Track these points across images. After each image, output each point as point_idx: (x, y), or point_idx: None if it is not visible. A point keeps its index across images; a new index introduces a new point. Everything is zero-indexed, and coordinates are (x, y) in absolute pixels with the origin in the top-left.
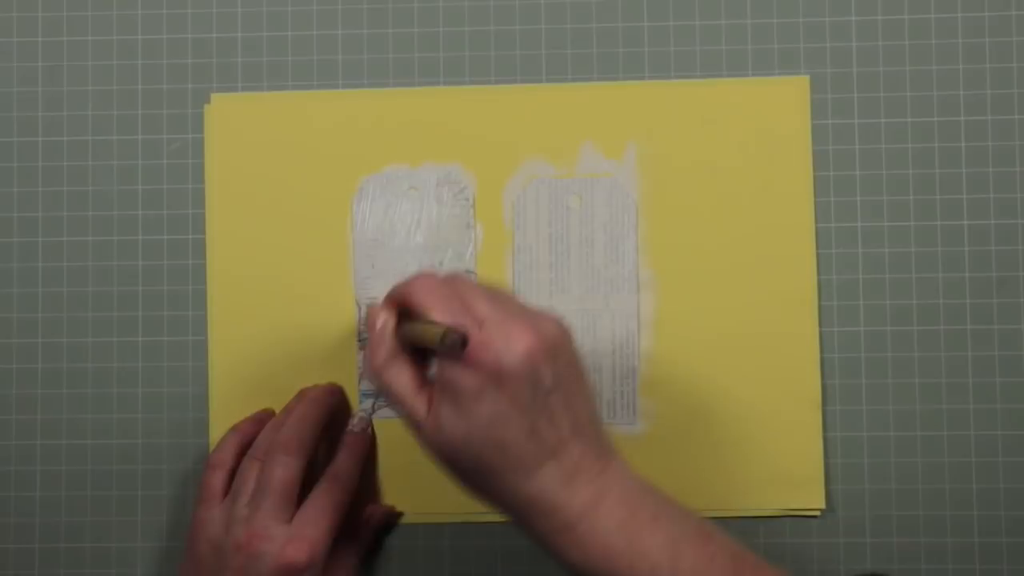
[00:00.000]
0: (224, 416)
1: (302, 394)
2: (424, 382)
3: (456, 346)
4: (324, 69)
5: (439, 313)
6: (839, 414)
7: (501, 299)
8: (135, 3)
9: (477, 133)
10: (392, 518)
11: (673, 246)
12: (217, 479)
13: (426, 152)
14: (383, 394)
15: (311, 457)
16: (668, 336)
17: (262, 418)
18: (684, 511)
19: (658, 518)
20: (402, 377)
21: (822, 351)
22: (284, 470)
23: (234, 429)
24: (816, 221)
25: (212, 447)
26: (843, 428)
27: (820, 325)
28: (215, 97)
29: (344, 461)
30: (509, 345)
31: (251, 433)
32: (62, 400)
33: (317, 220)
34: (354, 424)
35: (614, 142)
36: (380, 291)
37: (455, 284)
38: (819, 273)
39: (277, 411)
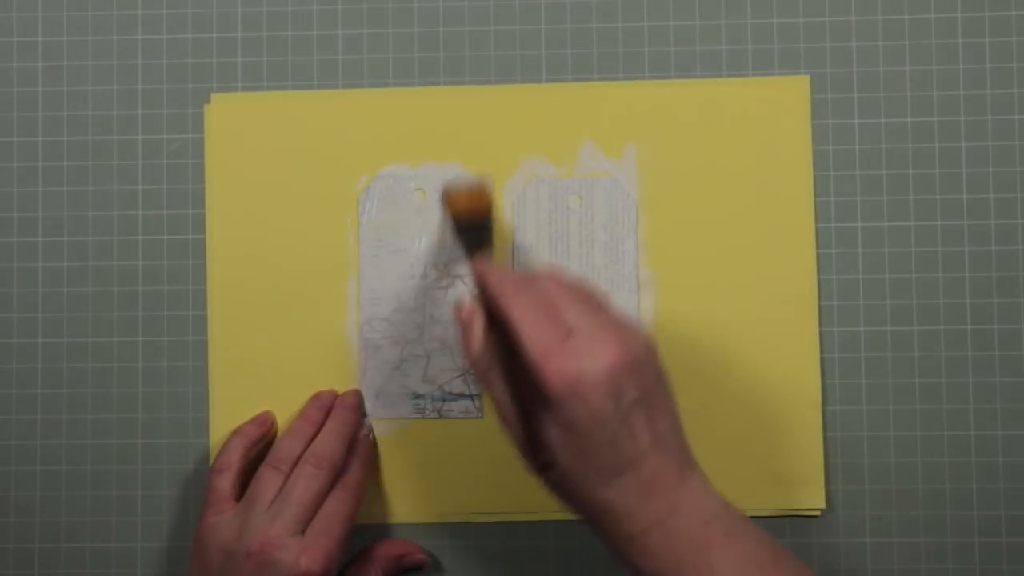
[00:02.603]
0: (224, 416)
1: (317, 399)
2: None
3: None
4: (324, 69)
5: (525, 320)
6: (839, 414)
7: (592, 307)
8: (135, 3)
9: (477, 133)
10: (414, 559)
11: (673, 246)
12: (225, 482)
13: (426, 152)
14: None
15: (337, 472)
16: (668, 336)
17: (264, 420)
18: (759, 532)
19: (730, 536)
20: (495, 381)
21: (822, 351)
22: (312, 484)
23: (238, 432)
24: (816, 221)
25: (212, 447)
26: (843, 428)
27: (820, 325)
28: (215, 97)
29: (356, 470)
30: (594, 358)
31: (255, 436)
32: (62, 400)
33: (317, 220)
34: (362, 431)
35: (614, 142)
36: (380, 291)
37: (547, 286)
38: (819, 273)
39: (278, 413)
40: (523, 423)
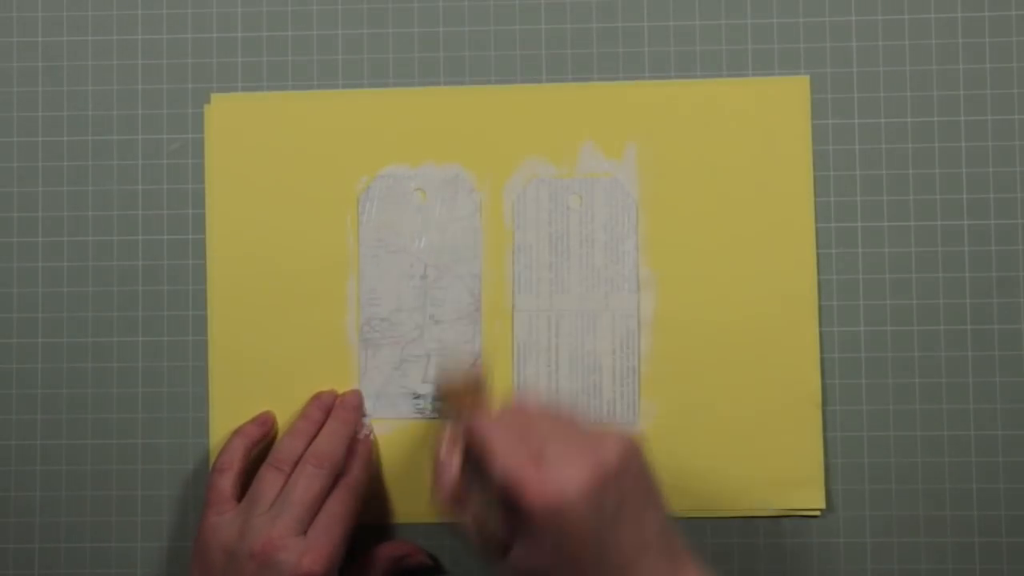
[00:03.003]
0: (224, 416)
1: (317, 399)
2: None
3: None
4: (324, 69)
5: (499, 449)
6: (839, 414)
7: (561, 424)
8: (135, 3)
9: (477, 133)
10: (417, 559)
11: (673, 246)
12: (226, 483)
13: (426, 152)
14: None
15: (338, 472)
16: (668, 336)
17: (265, 420)
18: None
19: None
20: (471, 517)
21: (822, 351)
22: (313, 484)
23: (239, 432)
24: (816, 221)
25: (212, 447)
26: (843, 428)
27: (820, 325)
28: (215, 97)
29: (357, 470)
30: (571, 477)
31: (256, 436)
32: (62, 400)
33: (317, 220)
34: (362, 431)
35: (614, 142)
36: (380, 291)
37: (518, 412)
38: (819, 273)
39: (278, 413)
40: (504, 549)
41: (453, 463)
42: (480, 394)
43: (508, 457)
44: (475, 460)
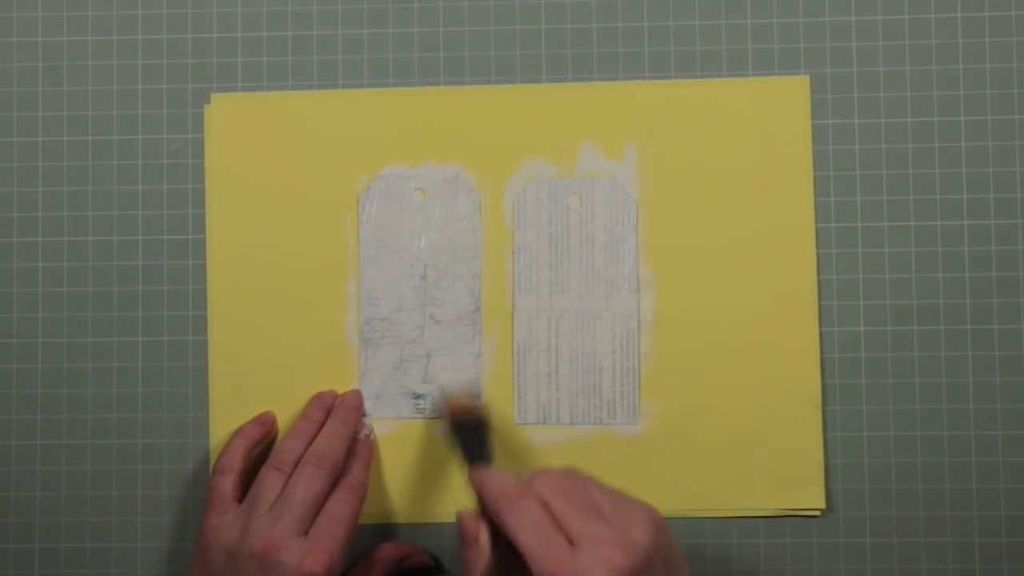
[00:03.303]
0: (224, 416)
1: (318, 399)
2: None
3: None
4: (324, 69)
5: (529, 540)
6: (839, 414)
7: (590, 506)
8: (135, 3)
9: (477, 133)
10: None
11: (673, 246)
12: (227, 483)
13: (426, 152)
14: None
15: (339, 472)
16: (668, 336)
17: (265, 421)
18: None
19: None
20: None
21: (822, 351)
22: (313, 485)
23: (239, 433)
24: (816, 221)
25: (212, 447)
26: (843, 428)
27: (820, 325)
28: (215, 97)
29: (358, 470)
30: (605, 568)
31: (256, 436)
32: (62, 400)
33: (317, 220)
34: (362, 431)
35: (614, 142)
36: (380, 291)
37: (542, 491)
38: (819, 273)
39: (278, 413)
40: None
41: (483, 540)
42: (480, 424)
43: (539, 550)
44: (501, 538)
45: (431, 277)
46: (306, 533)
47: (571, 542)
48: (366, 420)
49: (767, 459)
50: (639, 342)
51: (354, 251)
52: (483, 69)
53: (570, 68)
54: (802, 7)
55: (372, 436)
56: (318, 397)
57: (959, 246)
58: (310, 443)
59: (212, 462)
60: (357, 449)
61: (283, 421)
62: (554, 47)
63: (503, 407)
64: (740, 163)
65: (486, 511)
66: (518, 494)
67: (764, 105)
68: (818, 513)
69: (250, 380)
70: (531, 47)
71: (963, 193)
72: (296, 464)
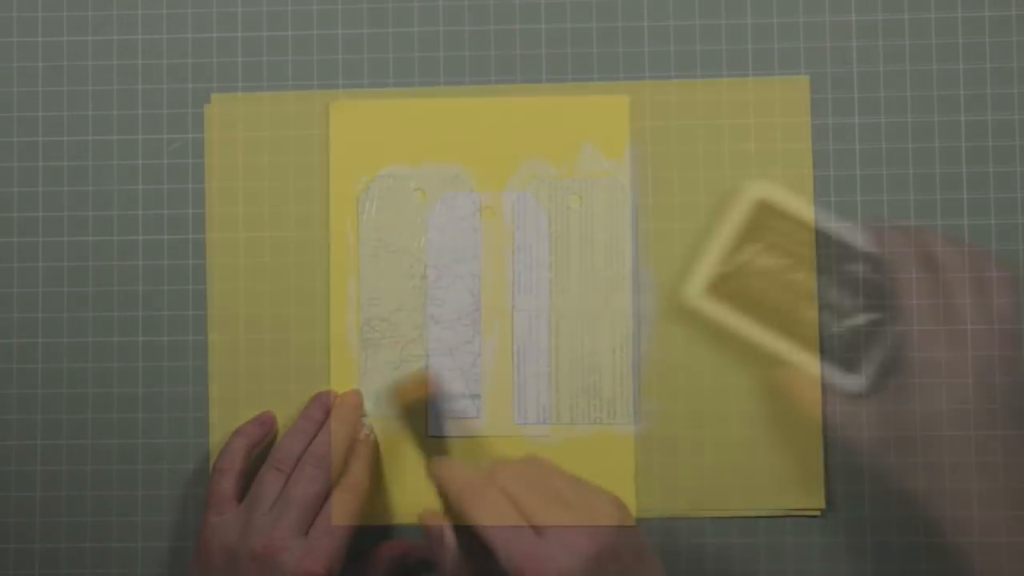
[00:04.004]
0: (224, 416)
1: (318, 399)
2: None
3: None
4: (324, 69)
5: (495, 531)
6: (839, 414)
7: (553, 494)
8: (135, 3)
9: (477, 133)
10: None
11: (673, 246)
12: (227, 483)
13: (426, 152)
14: None
15: (339, 472)
16: (668, 336)
17: (266, 420)
18: None
19: None
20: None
21: (822, 351)
22: (313, 484)
23: (239, 432)
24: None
25: (212, 447)
26: (843, 428)
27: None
28: (215, 97)
29: (358, 471)
30: (571, 555)
31: (256, 436)
32: (62, 400)
33: (317, 220)
34: (362, 431)
35: (614, 142)
36: (380, 291)
37: (505, 482)
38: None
39: (278, 413)
40: None
41: (447, 536)
42: (426, 391)
43: (505, 541)
44: (457, 514)
45: (431, 277)
46: (306, 533)
47: (536, 531)
48: (366, 420)
49: (767, 459)
50: (639, 342)
51: (354, 251)
52: (483, 69)
53: (570, 68)
54: (802, 7)
55: (372, 436)
56: (318, 397)
57: None
58: (310, 443)
59: (212, 462)
60: (357, 449)
61: (283, 421)
62: (554, 47)
63: (503, 407)
64: (740, 163)
65: (450, 505)
66: (481, 485)
67: (764, 105)
68: (818, 513)
69: (250, 380)
70: (531, 47)
71: (963, 192)
72: (296, 464)
